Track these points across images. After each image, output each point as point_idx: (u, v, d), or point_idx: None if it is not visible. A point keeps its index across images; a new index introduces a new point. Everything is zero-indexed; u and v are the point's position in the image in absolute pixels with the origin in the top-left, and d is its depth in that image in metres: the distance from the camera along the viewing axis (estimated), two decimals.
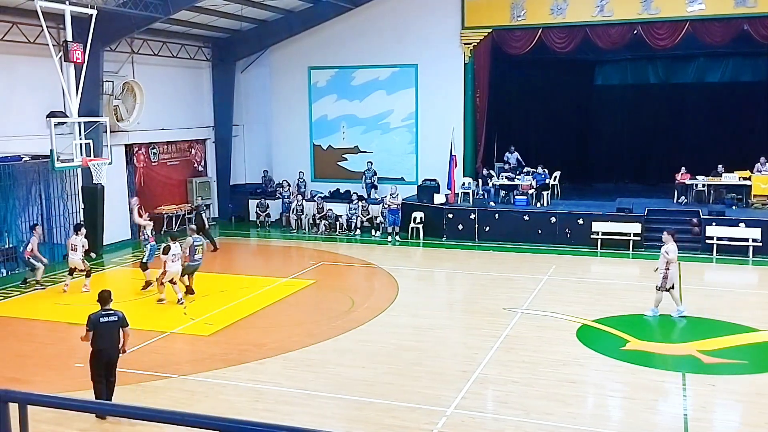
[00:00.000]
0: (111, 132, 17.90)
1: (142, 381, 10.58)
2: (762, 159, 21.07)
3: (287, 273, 17.61)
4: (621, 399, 10.11)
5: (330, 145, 25.40)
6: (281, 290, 16.05)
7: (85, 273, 15.79)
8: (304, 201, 23.86)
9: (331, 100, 25.17)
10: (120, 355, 9.43)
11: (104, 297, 9.37)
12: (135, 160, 22.22)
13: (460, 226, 21.24)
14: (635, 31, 21.34)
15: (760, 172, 20.92)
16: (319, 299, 15.57)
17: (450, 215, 21.56)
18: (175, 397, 9.93)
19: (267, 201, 24.42)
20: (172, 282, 14.72)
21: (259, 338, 12.64)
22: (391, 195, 22.12)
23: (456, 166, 22.41)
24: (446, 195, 22.20)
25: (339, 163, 25.29)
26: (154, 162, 23.16)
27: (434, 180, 22.83)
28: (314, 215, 23.49)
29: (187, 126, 24.39)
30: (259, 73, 25.99)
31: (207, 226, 20.82)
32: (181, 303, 14.60)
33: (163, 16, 18.89)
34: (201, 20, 22.38)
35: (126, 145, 21.63)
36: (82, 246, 15.65)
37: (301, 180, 25.05)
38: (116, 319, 9.27)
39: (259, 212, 24.28)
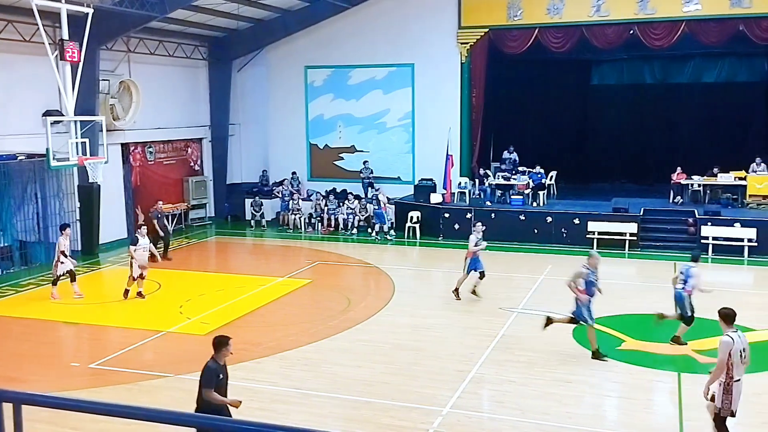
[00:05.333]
0: (107, 131, 17.86)
1: (139, 380, 10.57)
2: (757, 159, 21.13)
3: (284, 272, 17.60)
4: (617, 398, 10.13)
5: (326, 145, 25.39)
6: (278, 289, 16.04)
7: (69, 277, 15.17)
8: (300, 200, 23.86)
9: (328, 100, 25.16)
10: None
11: None
12: (131, 159, 22.18)
13: (457, 226, 21.24)
14: (631, 31, 21.39)
15: (755, 172, 20.98)
16: (316, 298, 15.56)
17: (446, 215, 21.56)
18: (173, 397, 9.92)
19: (262, 200, 24.41)
20: (141, 277, 15.05)
21: (256, 337, 12.63)
22: (376, 195, 22.36)
23: (452, 165, 22.41)
24: (443, 194, 22.21)
25: (335, 162, 25.29)
26: (151, 161, 23.12)
27: (431, 179, 22.85)
28: (311, 214, 23.49)
29: (183, 125, 24.36)
30: (256, 72, 25.97)
31: (162, 232, 19.56)
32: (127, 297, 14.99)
33: (160, 15, 18.87)
34: (198, 19, 22.36)
35: (122, 144, 21.59)
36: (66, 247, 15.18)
37: (295, 179, 25.05)
38: None
39: (254, 212, 24.28)
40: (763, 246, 18.28)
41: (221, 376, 7.40)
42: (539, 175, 22.64)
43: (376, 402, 9.70)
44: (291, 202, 23.91)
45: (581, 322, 11.41)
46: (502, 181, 22.60)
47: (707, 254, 18.63)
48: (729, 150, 22.87)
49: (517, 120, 26.13)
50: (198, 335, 12.73)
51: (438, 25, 23.19)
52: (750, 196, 20.63)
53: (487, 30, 22.65)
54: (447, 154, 22.32)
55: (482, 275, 14.65)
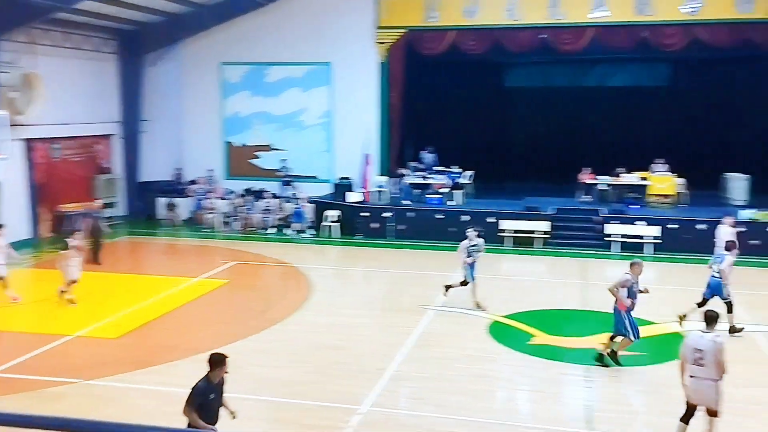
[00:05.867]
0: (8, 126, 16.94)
1: (41, 387, 10.08)
2: (658, 160, 22.27)
3: (199, 273, 17.20)
4: (528, 392, 10.44)
5: (243, 143, 25.00)
6: (193, 290, 15.67)
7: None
8: (216, 199, 23.39)
9: (245, 97, 24.76)
10: None
11: None
12: (35, 156, 21.10)
13: (375, 225, 21.36)
14: (543, 36, 22.06)
15: (656, 172, 22.10)
16: (233, 299, 15.30)
17: (365, 214, 21.65)
18: (79, 404, 9.52)
19: (176, 199, 23.77)
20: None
21: (170, 340, 12.30)
22: (293, 193, 22.31)
23: (369, 164, 22.53)
24: (361, 193, 22.27)
25: (251, 161, 24.93)
26: (56, 158, 22.08)
27: (349, 178, 22.87)
28: (227, 213, 23.06)
29: (91, 121, 23.35)
30: (170, 67, 25.25)
31: (95, 233, 18.60)
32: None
33: (66, 6, 18.04)
34: (107, 11, 21.50)
35: (26, 140, 20.52)
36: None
37: (211, 177, 24.54)
38: None
39: (167, 210, 23.60)
40: (667, 243, 19.24)
41: (212, 396, 7.09)
42: (456, 175, 23.02)
43: (297, 402, 9.64)
44: (206, 200, 23.40)
45: (620, 334, 10.86)
46: (419, 180, 22.87)
47: (611, 251, 19.46)
48: (634, 151, 23.90)
49: (436, 120, 26.48)
50: (109, 339, 12.27)
51: (356, 24, 23.22)
52: (652, 195, 21.70)
53: (404, 31, 22.87)
54: (365, 153, 22.39)
55: (464, 283, 14.09)
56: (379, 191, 22.51)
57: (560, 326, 13.10)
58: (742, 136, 24.01)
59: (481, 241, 14.20)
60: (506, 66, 28.12)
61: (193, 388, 7.04)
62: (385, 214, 21.48)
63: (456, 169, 23.37)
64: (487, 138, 27.58)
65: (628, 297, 10.79)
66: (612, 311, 11.07)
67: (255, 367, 10.92)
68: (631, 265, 10.96)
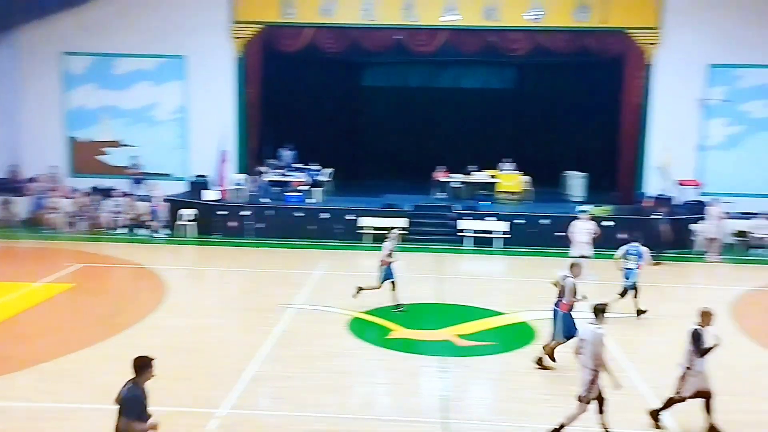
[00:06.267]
0: None
1: None
2: (504, 159, 23.53)
3: (40, 277, 16.02)
4: (386, 385, 10.67)
5: (90, 138, 23.57)
6: (34, 296, 14.58)
7: None
8: (59, 197, 21.86)
9: (90, 90, 23.33)
10: None
11: None
12: None
13: (233, 223, 20.94)
14: (398, 37, 22.57)
15: (504, 170, 23.34)
16: (79, 304, 14.38)
17: (222, 212, 21.17)
18: None
19: (12, 197, 22.00)
20: None
21: (6, 350, 11.37)
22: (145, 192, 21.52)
23: (226, 161, 22.07)
24: (218, 191, 21.75)
25: (99, 157, 23.57)
26: None
27: (205, 176, 22.26)
28: (71, 213, 21.61)
29: None
30: (3, 55, 23.27)
31: None
32: None
33: None
34: None
35: None
36: None
37: (53, 174, 22.95)
38: None
39: (1, 209, 21.78)
40: (515, 237, 20.32)
41: (145, 402, 6.71)
42: (315, 173, 23.04)
43: (152, 409, 9.21)
44: (48, 199, 21.82)
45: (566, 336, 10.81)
46: (279, 178, 22.68)
47: (463, 246, 20.31)
48: (484, 150, 25.01)
49: (295, 117, 26.33)
50: None
51: (211, 17, 22.55)
52: (499, 192, 22.88)
53: (262, 26, 22.52)
54: (221, 150, 21.89)
55: (394, 285, 13.90)
56: (237, 189, 22.07)
57: (417, 320, 13.47)
58: (580, 136, 25.85)
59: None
60: (364, 65, 28.50)
61: (125, 398, 6.60)
62: (243, 213, 21.10)
63: (315, 167, 23.37)
64: (347, 136, 27.87)
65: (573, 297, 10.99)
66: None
67: (100, 376, 10.30)
68: (572, 266, 11.23)
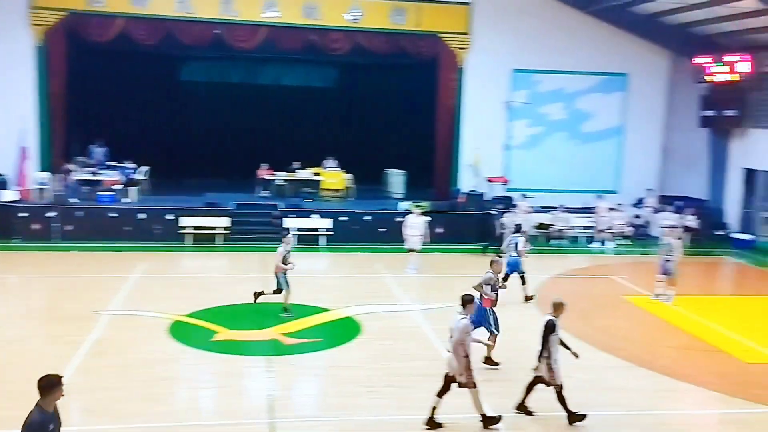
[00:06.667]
0: None
1: None
2: (328, 157, 23.84)
3: None
4: (211, 389, 10.40)
5: None
6: None
7: None
8: None
9: None
10: None
11: None
12: None
13: (37, 226, 19.33)
14: (217, 31, 21.99)
15: (327, 168, 23.64)
16: None
17: (23, 214, 19.46)
18: None
19: None
20: None
21: None
22: None
23: (27, 159, 20.33)
24: (18, 191, 19.98)
25: None
26: None
27: (3, 175, 20.33)
28: None
29: None
30: None
31: None
32: None
33: None
34: None
35: None
36: None
37: None
38: None
39: None
40: (338, 234, 20.62)
41: (52, 427, 5.89)
42: (131, 171, 21.88)
43: None
44: None
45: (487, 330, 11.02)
46: (89, 177, 21.26)
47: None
48: (307, 148, 25.17)
49: (107, 113, 24.76)
50: None
51: (3, 1, 20.58)
52: (323, 190, 23.14)
53: (65, 13, 20.90)
54: (21, 147, 20.12)
55: (278, 291, 13.34)
56: (41, 188, 20.38)
57: (242, 320, 13.25)
58: (400, 135, 26.81)
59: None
60: (181, 59, 27.50)
61: (28, 424, 5.80)
62: (48, 214, 19.54)
63: (130, 165, 22.23)
64: (164, 133, 26.69)
65: (492, 292, 11.24)
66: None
67: None
68: (492, 263, 11.55)
